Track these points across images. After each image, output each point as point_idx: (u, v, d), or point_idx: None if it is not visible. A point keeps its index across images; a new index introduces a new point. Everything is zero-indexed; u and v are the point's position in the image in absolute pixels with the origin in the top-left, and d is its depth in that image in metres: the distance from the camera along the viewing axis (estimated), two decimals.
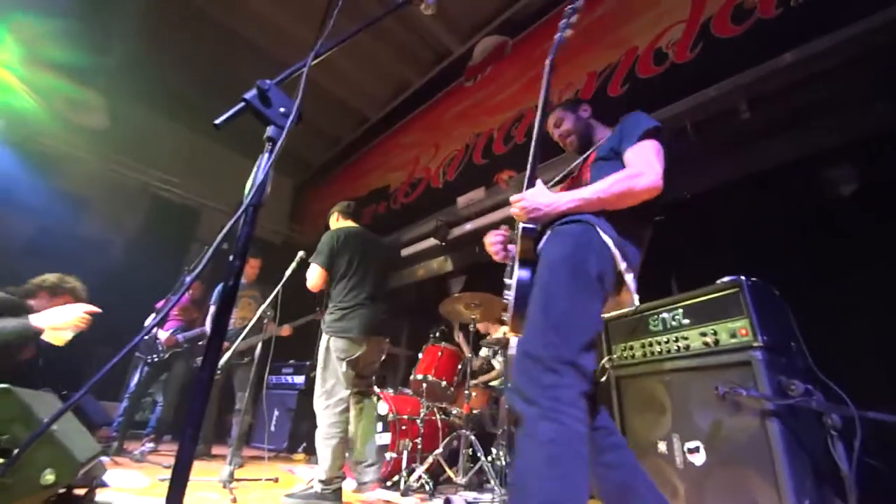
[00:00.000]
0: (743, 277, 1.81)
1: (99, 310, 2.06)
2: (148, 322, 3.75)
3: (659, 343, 2.01)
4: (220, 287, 2.17)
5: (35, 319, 1.94)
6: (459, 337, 3.80)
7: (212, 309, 4.01)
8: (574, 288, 1.16)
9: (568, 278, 1.17)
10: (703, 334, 1.85)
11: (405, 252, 5.06)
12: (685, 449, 1.80)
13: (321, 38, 0.96)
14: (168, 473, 2.49)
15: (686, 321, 1.95)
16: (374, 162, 6.63)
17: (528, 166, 1.37)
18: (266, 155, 0.82)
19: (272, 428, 4.54)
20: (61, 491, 1.50)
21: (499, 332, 3.34)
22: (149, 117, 6.47)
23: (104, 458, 2.27)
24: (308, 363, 4.69)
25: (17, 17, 4.42)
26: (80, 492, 1.70)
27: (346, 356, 2.34)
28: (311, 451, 3.96)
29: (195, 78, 6.10)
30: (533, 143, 1.38)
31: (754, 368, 1.67)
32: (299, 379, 4.76)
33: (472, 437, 2.62)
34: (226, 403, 3.86)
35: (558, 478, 0.95)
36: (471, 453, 2.66)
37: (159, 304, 3.89)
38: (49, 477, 1.31)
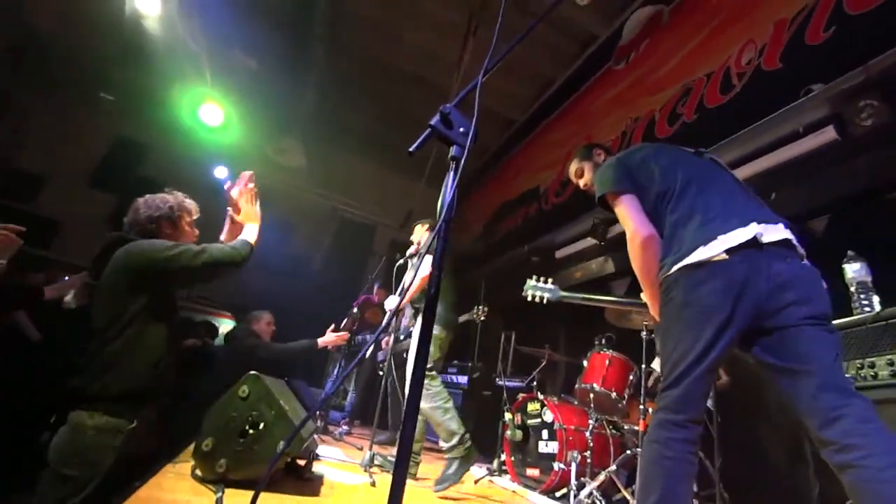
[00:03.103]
0: None
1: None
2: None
3: None
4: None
5: None
6: None
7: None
8: None
9: None
10: None
11: (560, 254, 4.87)
12: None
13: (488, 55, 0.98)
14: (361, 456, 2.67)
15: None
16: (522, 164, 6.60)
17: None
18: (451, 173, 0.87)
19: None
20: (288, 460, 1.88)
21: None
22: (334, 153, 7.79)
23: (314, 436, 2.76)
24: (470, 364, 4.87)
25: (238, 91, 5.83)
26: (301, 462, 2.11)
27: (448, 342, 2.85)
28: None
29: (370, 115, 7.09)
30: None
31: None
32: (463, 378, 4.92)
33: None
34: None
35: None
36: None
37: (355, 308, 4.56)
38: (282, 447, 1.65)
